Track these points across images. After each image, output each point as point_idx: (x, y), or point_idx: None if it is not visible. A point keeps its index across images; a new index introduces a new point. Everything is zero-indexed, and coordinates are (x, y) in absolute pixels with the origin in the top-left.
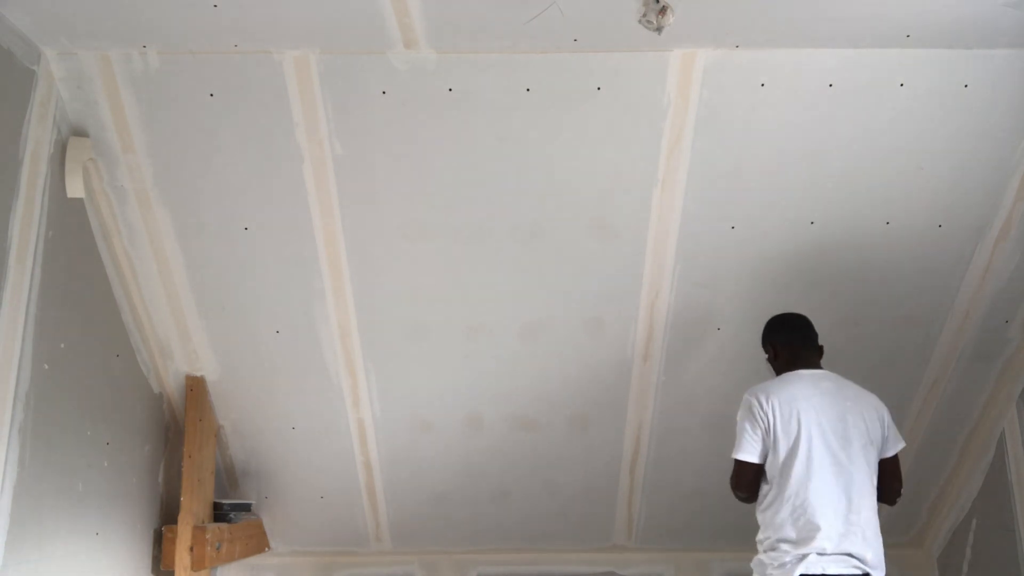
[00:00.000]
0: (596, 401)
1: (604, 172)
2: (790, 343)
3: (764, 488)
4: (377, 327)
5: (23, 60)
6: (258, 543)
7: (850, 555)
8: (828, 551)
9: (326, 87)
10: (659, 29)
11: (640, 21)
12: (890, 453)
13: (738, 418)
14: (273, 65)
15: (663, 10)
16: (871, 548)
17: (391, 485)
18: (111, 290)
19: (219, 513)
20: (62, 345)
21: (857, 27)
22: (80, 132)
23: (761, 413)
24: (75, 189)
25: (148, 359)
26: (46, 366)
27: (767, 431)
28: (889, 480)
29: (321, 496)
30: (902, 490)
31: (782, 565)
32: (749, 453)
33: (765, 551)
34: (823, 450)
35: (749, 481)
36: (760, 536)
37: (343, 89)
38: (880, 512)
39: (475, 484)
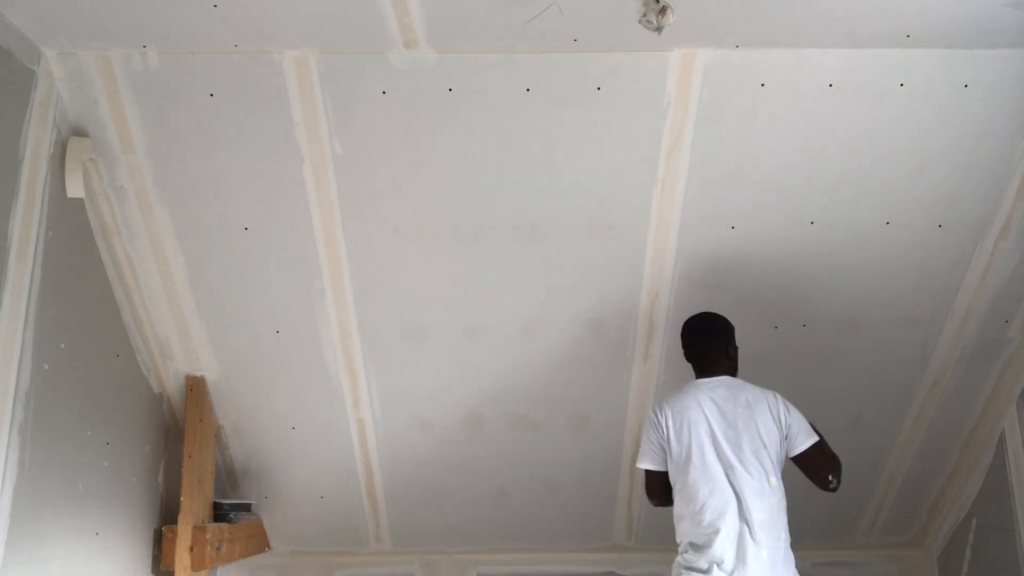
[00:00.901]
0: (596, 401)
1: (604, 172)
2: (692, 356)
3: (674, 494)
4: (377, 327)
5: (23, 60)
6: (258, 543)
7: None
8: (728, 560)
9: (326, 87)
10: (659, 29)
11: (640, 21)
12: (798, 450)
13: (644, 429)
14: (273, 65)
15: (663, 10)
16: (766, 547)
17: (391, 485)
18: (111, 290)
19: (219, 513)
20: (62, 345)
21: (857, 27)
22: (80, 132)
23: (656, 423)
24: (75, 189)
25: (148, 359)
26: (46, 366)
27: (664, 440)
28: (815, 470)
29: (321, 496)
30: (837, 475)
31: (689, 568)
32: (649, 462)
33: (681, 553)
34: (714, 456)
35: (657, 488)
36: (677, 538)
37: (343, 89)
38: (879, 511)
39: (475, 484)
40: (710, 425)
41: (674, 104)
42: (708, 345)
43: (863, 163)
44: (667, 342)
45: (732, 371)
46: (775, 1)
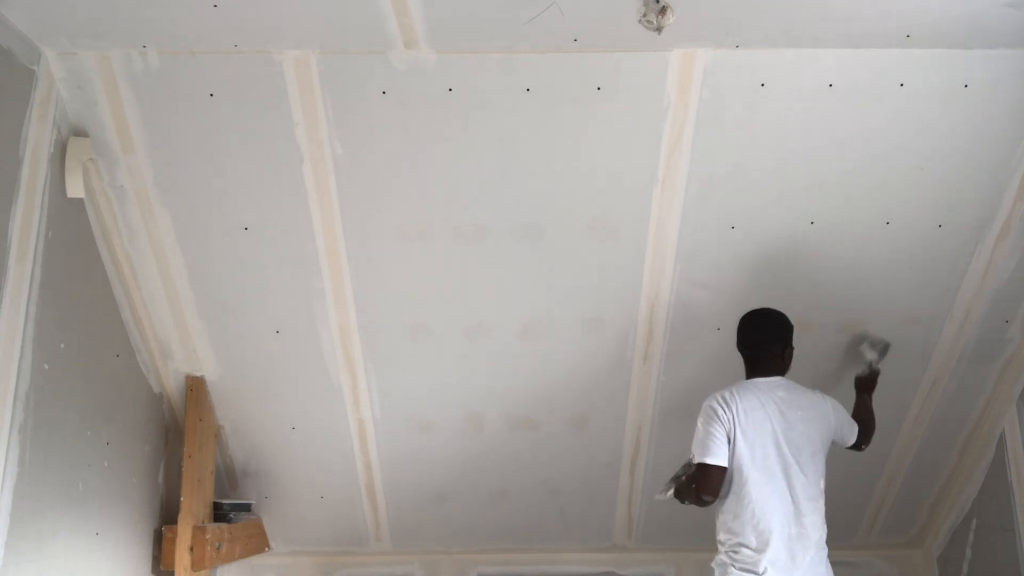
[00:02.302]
0: (596, 401)
1: (604, 172)
2: (747, 353)
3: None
4: (377, 327)
5: (23, 60)
6: (258, 543)
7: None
8: (781, 560)
9: (326, 87)
10: (659, 29)
11: (640, 21)
12: (849, 443)
13: (700, 423)
14: (273, 65)
15: (663, 10)
16: (814, 547)
17: (391, 485)
18: (111, 290)
19: (219, 513)
20: (62, 345)
21: (857, 27)
22: (80, 132)
23: (726, 417)
24: (75, 189)
25: (148, 359)
26: (46, 366)
27: (730, 435)
28: (856, 448)
29: (321, 496)
30: (869, 442)
31: (743, 569)
32: (718, 457)
33: (726, 552)
34: (776, 457)
35: (719, 484)
36: (721, 538)
37: (343, 89)
38: (879, 511)
39: (475, 484)
40: (773, 427)
41: (674, 104)
42: (776, 344)
43: (863, 163)
44: (667, 342)
45: (784, 371)
46: (775, 1)
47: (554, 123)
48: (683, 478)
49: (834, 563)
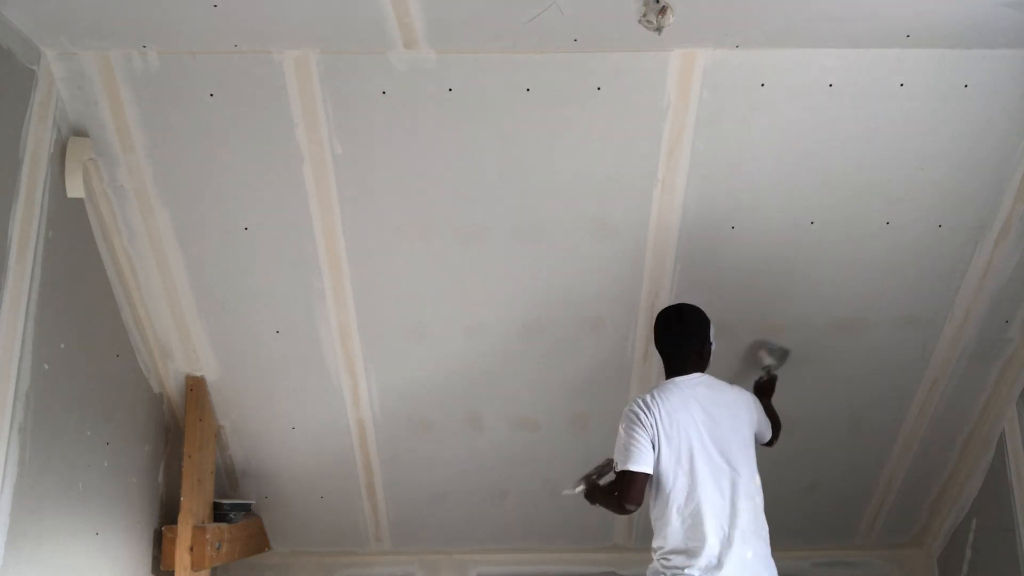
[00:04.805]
0: (596, 401)
1: (604, 172)
2: (666, 352)
3: (654, 499)
4: (377, 327)
5: (23, 60)
6: (258, 543)
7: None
8: (715, 563)
9: (326, 87)
10: (659, 29)
11: (640, 21)
12: (767, 438)
13: (622, 429)
14: (273, 65)
15: (663, 10)
16: (751, 548)
17: (391, 485)
18: (111, 290)
19: (219, 513)
20: (62, 345)
21: (857, 27)
22: (80, 132)
23: (648, 421)
24: (75, 189)
25: (148, 359)
26: (46, 366)
27: (655, 441)
28: (775, 437)
29: (321, 496)
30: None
31: (677, 575)
32: (642, 463)
33: (659, 559)
34: (704, 458)
35: (642, 492)
36: (654, 544)
37: (343, 89)
38: (879, 511)
39: (475, 484)
40: (698, 427)
41: (674, 104)
42: (695, 340)
43: (863, 163)
44: None
45: (703, 368)
46: (775, 1)
47: (554, 123)
48: (594, 477)
49: (834, 563)
